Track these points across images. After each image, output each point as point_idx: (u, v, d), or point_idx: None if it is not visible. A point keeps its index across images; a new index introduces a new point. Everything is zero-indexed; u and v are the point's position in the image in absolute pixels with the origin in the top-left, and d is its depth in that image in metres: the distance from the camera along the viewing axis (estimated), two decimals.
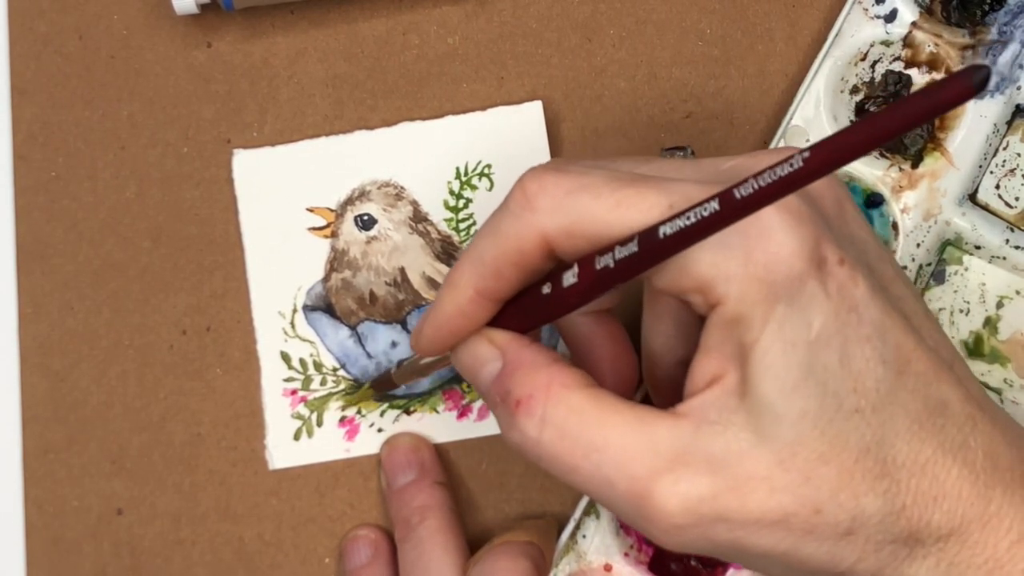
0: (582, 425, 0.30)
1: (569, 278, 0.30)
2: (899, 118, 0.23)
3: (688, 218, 0.27)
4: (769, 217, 0.28)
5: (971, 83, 0.22)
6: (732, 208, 0.26)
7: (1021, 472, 0.30)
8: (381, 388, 0.42)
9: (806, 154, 0.24)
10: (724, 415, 0.29)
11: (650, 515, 0.29)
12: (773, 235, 0.28)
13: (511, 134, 0.43)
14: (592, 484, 0.30)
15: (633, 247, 0.28)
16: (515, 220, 0.31)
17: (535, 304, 0.32)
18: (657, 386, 0.36)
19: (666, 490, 0.28)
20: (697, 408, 0.29)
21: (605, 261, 0.29)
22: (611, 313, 0.36)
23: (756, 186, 0.25)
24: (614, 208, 0.30)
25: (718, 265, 0.29)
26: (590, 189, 0.30)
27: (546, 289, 0.31)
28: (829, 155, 0.24)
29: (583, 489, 0.30)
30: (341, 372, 0.43)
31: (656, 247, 0.28)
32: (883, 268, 0.31)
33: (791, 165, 0.24)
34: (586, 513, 0.41)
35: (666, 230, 0.27)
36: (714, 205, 0.26)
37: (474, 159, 0.43)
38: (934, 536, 0.29)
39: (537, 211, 0.31)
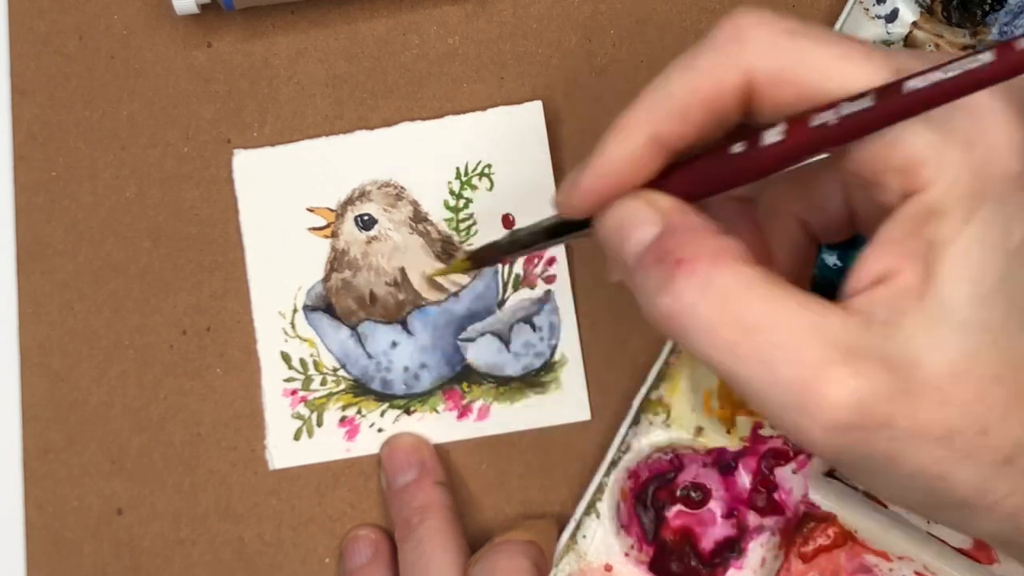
0: (749, 299, 0.26)
1: (773, 135, 0.27)
2: None
3: (948, 71, 0.24)
4: (995, 109, 0.26)
5: None
6: (1010, 62, 0.23)
7: None
8: (482, 261, 0.37)
9: None
10: (897, 316, 0.26)
11: (814, 407, 0.26)
12: (999, 128, 0.26)
13: (511, 134, 0.43)
14: (748, 366, 0.26)
15: (867, 102, 0.25)
16: (717, 53, 0.28)
17: (715, 167, 0.28)
18: None
19: (838, 382, 0.26)
20: (866, 305, 0.26)
21: (825, 118, 0.26)
22: (753, 202, 0.33)
23: None
24: (839, 59, 0.27)
25: (935, 145, 0.26)
26: (813, 35, 0.27)
27: (737, 148, 0.28)
28: None
29: (734, 372, 0.27)
30: (341, 372, 0.42)
31: (896, 104, 0.25)
32: None
33: None
34: (586, 513, 0.41)
35: (915, 84, 0.24)
36: (987, 57, 0.23)
37: (474, 159, 0.43)
38: None
39: (747, 44, 0.27)
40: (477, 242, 0.43)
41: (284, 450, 0.42)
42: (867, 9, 0.42)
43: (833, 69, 0.27)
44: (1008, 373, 0.26)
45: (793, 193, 0.33)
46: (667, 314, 0.27)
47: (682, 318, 0.27)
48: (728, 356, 0.27)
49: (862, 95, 0.26)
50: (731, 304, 0.26)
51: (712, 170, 0.28)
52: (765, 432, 0.41)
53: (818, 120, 0.26)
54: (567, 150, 0.43)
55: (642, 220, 0.29)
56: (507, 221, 0.43)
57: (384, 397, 0.42)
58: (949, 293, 0.26)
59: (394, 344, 0.43)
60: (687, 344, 0.27)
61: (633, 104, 0.29)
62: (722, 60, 0.28)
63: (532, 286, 0.43)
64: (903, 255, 0.26)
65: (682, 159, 0.29)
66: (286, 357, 0.43)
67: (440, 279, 0.43)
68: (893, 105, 0.25)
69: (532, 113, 0.43)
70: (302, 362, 0.43)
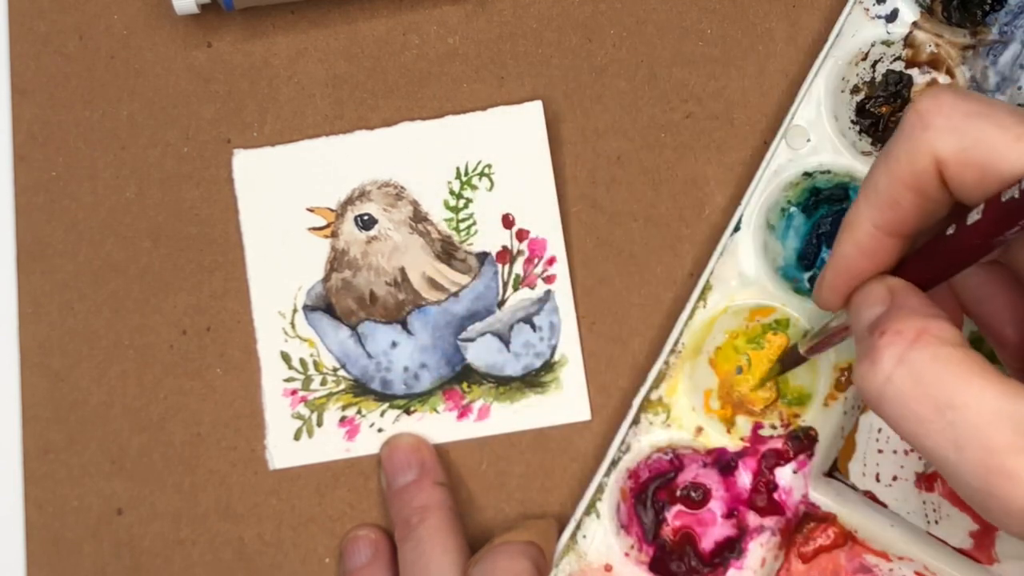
0: (944, 377, 0.27)
1: (974, 215, 0.28)
2: None
3: None
4: None
5: None
6: None
7: None
8: (789, 364, 0.40)
9: None
10: None
11: (999, 493, 0.26)
12: None
13: (511, 134, 0.43)
14: (937, 443, 0.27)
15: None
16: (907, 141, 0.29)
17: (938, 250, 0.30)
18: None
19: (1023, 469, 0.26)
20: None
21: (1012, 192, 0.27)
22: (1003, 265, 0.34)
23: None
24: (1016, 141, 0.28)
25: None
26: (992, 117, 0.28)
27: (950, 230, 0.30)
28: None
29: (924, 447, 0.28)
30: (341, 372, 0.43)
31: None
32: None
33: None
34: (586, 513, 0.41)
35: None
36: None
37: (474, 159, 0.43)
38: None
39: (930, 129, 0.29)
40: (476, 242, 0.43)
41: (284, 450, 0.42)
42: (867, 9, 0.42)
43: (1012, 150, 0.28)
44: None
45: None
46: (864, 381, 0.29)
47: (878, 386, 0.28)
48: (920, 430, 0.28)
49: None
50: (926, 379, 0.28)
51: (934, 254, 0.31)
52: (765, 432, 0.41)
53: (1007, 195, 0.28)
54: (567, 150, 0.43)
55: (873, 299, 0.31)
56: (507, 221, 0.43)
57: (384, 397, 0.42)
58: None
59: (394, 344, 0.43)
60: (881, 412, 0.29)
61: (855, 202, 0.31)
62: (910, 146, 0.29)
63: (532, 286, 0.43)
64: None
65: (921, 246, 0.31)
66: (286, 357, 0.43)
67: (439, 279, 0.43)
68: None
69: (532, 113, 0.43)
70: (302, 362, 0.43)
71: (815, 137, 0.42)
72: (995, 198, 0.28)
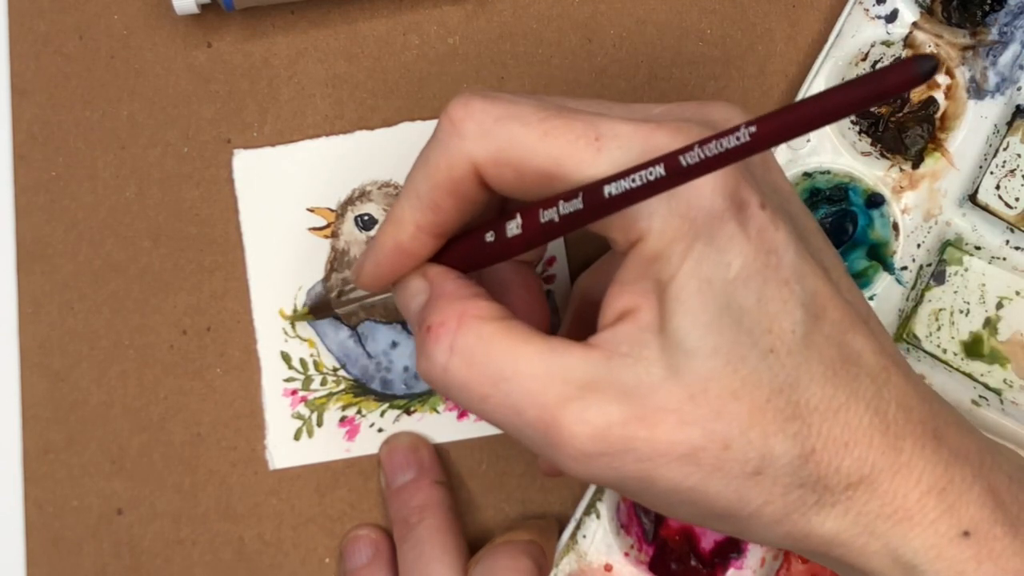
0: (491, 353, 0.29)
1: (513, 229, 0.31)
2: (845, 99, 0.24)
3: (634, 180, 0.27)
4: None
5: (917, 72, 0.22)
6: (677, 173, 0.26)
7: (932, 427, 0.30)
8: (320, 313, 0.42)
9: (753, 129, 0.25)
10: (636, 349, 0.29)
11: (558, 442, 0.29)
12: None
13: None
14: (501, 414, 0.29)
15: (578, 204, 0.29)
16: (443, 148, 0.31)
17: (478, 249, 0.32)
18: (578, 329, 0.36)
19: (574, 416, 0.28)
20: (608, 340, 0.29)
21: (550, 215, 0.29)
22: (529, 265, 0.37)
23: (702, 155, 0.26)
24: (542, 137, 0.30)
25: (644, 202, 0.29)
26: (518, 117, 0.30)
27: (490, 237, 0.32)
28: (775, 130, 0.25)
29: (493, 420, 0.30)
30: (341, 372, 0.43)
31: (600, 204, 0.28)
32: (804, 221, 0.32)
33: (738, 139, 0.25)
34: (587, 513, 0.41)
35: (611, 190, 0.28)
36: (660, 170, 0.27)
37: None
38: (843, 483, 0.29)
39: (464, 137, 0.30)
40: None
41: (284, 450, 0.42)
42: (867, 9, 0.42)
43: (540, 146, 0.30)
44: (744, 390, 0.28)
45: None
46: (427, 375, 0.30)
47: (439, 378, 0.30)
48: (485, 407, 0.30)
49: (574, 195, 0.29)
50: (476, 362, 0.29)
51: (473, 251, 0.33)
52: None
53: (545, 217, 0.29)
54: None
55: (414, 291, 0.33)
56: None
57: (384, 397, 0.42)
58: (677, 324, 0.28)
59: (394, 344, 0.43)
60: (453, 400, 0.30)
61: (398, 198, 0.32)
62: (447, 154, 0.31)
63: None
64: (637, 293, 0.29)
65: (464, 231, 0.33)
66: (286, 357, 0.43)
67: None
68: (598, 205, 0.28)
69: None
70: (302, 362, 0.43)
71: (815, 138, 0.42)
72: (534, 217, 0.30)
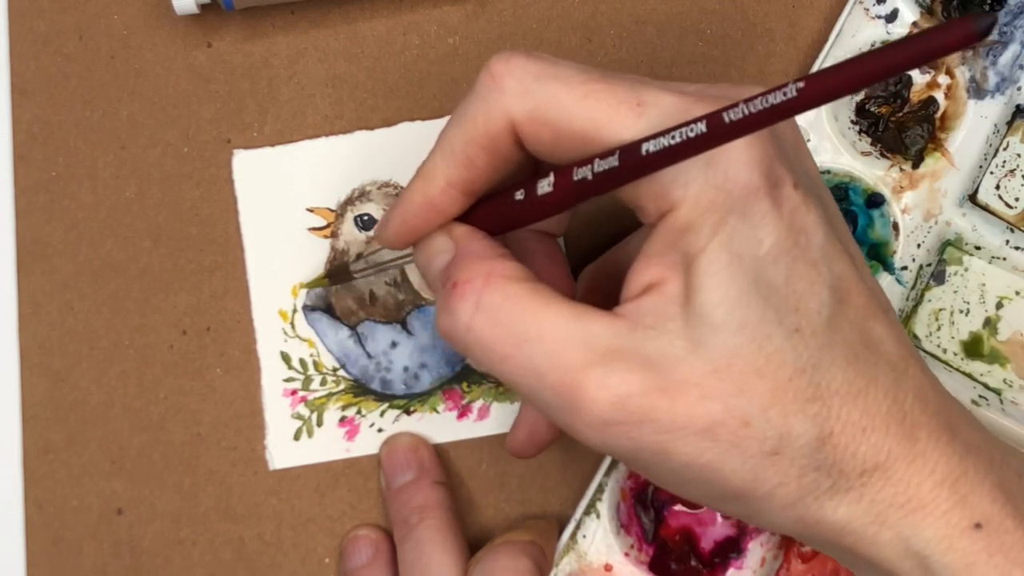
0: (516, 313, 0.29)
1: (544, 187, 0.30)
2: (895, 57, 0.23)
3: (673, 137, 0.27)
4: None
5: (974, 29, 0.21)
6: (720, 130, 0.26)
7: (947, 419, 0.30)
8: (337, 278, 0.42)
9: (800, 84, 0.24)
10: (661, 321, 0.28)
11: (578, 408, 0.28)
12: (735, 148, 0.28)
13: None
14: (521, 375, 0.29)
15: (614, 161, 0.28)
16: (481, 103, 0.31)
17: (506, 209, 0.32)
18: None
19: (597, 382, 0.28)
20: (633, 311, 0.29)
21: (583, 173, 0.29)
22: (553, 237, 0.37)
23: (746, 111, 0.25)
24: (582, 99, 0.30)
25: (679, 169, 0.28)
26: (560, 78, 0.30)
27: (519, 195, 0.31)
28: (823, 87, 0.24)
29: (512, 381, 0.30)
30: (341, 372, 0.43)
31: (637, 163, 0.28)
32: (832, 207, 0.32)
33: (784, 94, 0.25)
34: (587, 513, 0.41)
35: (649, 147, 0.27)
36: (701, 127, 0.26)
37: None
38: (858, 469, 0.29)
39: (504, 92, 0.30)
40: None
41: (284, 450, 0.42)
42: (867, 9, 0.42)
43: (579, 108, 0.30)
44: (768, 368, 0.28)
45: None
46: (449, 331, 0.30)
47: (461, 336, 0.30)
48: (505, 367, 0.29)
49: (611, 153, 0.28)
50: (500, 321, 0.29)
51: (501, 211, 0.32)
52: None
53: (579, 175, 0.29)
54: None
55: (439, 249, 0.32)
56: None
57: (384, 397, 0.42)
58: (705, 297, 0.28)
59: (394, 344, 0.43)
60: (473, 359, 0.30)
61: (430, 153, 0.32)
62: (486, 108, 0.31)
63: None
64: (665, 265, 0.29)
65: (492, 193, 0.32)
66: (286, 357, 0.43)
67: None
68: (635, 164, 0.28)
69: None
70: (302, 362, 0.43)
71: (815, 137, 0.42)
72: (567, 175, 0.29)
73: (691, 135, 0.26)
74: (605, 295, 0.34)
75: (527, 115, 0.30)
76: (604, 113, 0.29)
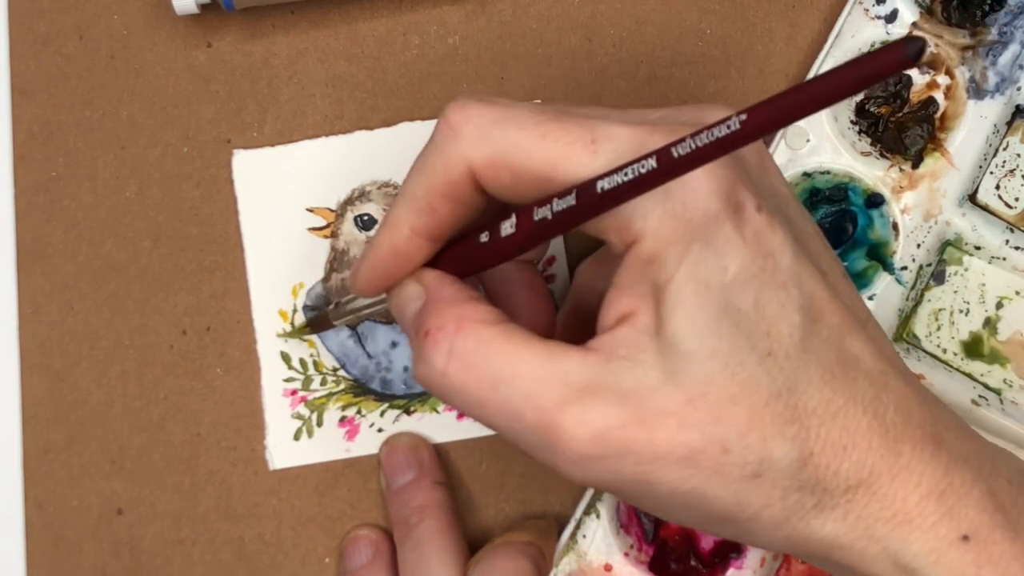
0: (490, 357, 0.29)
1: (507, 228, 0.31)
2: (835, 84, 0.23)
3: (626, 174, 0.27)
4: None
5: (905, 54, 0.22)
6: (670, 166, 0.26)
7: (932, 430, 0.30)
8: (318, 327, 0.42)
9: (743, 117, 0.25)
10: (634, 352, 0.28)
11: (557, 446, 0.28)
12: (692, 176, 0.28)
13: None
14: (500, 417, 0.29)
15: (571, 200, 0.29)
16: (440, 152, 0.31)
17: (473, 251, 0.32)
18: (574, 331, 0.36)
19: (574, 419, 0.28)
20: (607, 344, 0.29)
21: (543, 213, 0.29)
22: (532, 264, 0.37)
23: (694, 145, 0.26)
24: (539, 140, 0.30)
25: (638, 202, 0.29)
26: (515, 120, 0.30)
27: (484, 238, 0.31)
28: (766, 118, 0.25)
29: (491, 424, 0.30)
30: (341, 372, 0.43)
31: (594, 201, 0.28)
32: (802, 224, 0.31)
33: (728, 127, 0.25)
34: (586, 513, 0.41)
35: (604, 185, 0.28)
36: (652, 163, 0.26)
37: None
38: (842, 486, 0.29)
39: (461, 140, 0.31)
40: None
41: (284, 450, 0.42)
42: (867, 10, 0.42)
43: (536, 149, 0.30)
44: (743, 395, 0.28)
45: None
46: (425, 380, 0.30)
47: (438, 383, 0.30)
48: (483, 411, 0.30)
49: (568, 192, 0.29)
50: (474, 366, 0.29)
51: (468, 254, 0.32)
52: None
53: (539, 215, 0.29)
54: None
55: (409, 297, 0.32)
56: None
57: (384, 397, 0.42)
58: (675, 327, 0.28)
59: (394, 344, 0.43)
60: (453, 405, 0.30)
61: (394, 201, 0.32)
62: (444, 157, 0.31)
63: None
64: (635, 296, 0.29)
65: (459, 236, 0.33)
66: (286, 357, 0.43)
67: None
68: (591, 202, 0.28)
69: None
70: (302, 362, 0.43)
71: (814, 138, 0.42)
72: (527, 215, 0.30)
73: (643, 171, 0.27)
74: (587, 309, 0.35)
75: (485, 161, 0.30)
76: (560, 152, 0.29)
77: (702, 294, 0.28)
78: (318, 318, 0.41)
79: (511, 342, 0.30)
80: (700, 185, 0.28)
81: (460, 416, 0.42)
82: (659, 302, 0.28)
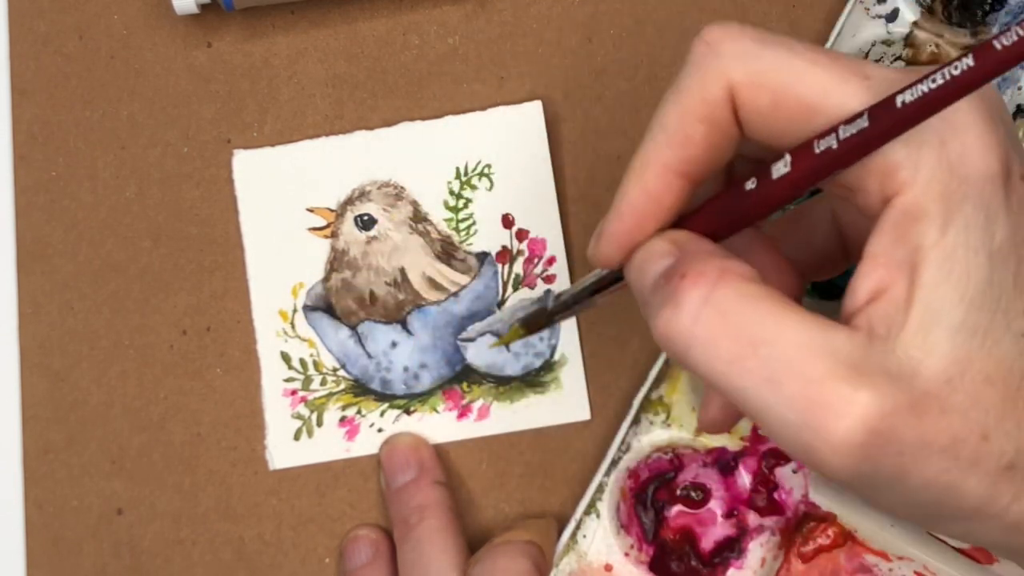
0: (752, 314, 0.26)
1: (780, 168, 0.27)
2: None
3: (934, 80, 0.24)
4: (967, 112, 0.26)
5: None
6: (990, 62, 0.23)
7: None
8: (534, 326, 0.36)
9: None
10: (895, 330, 0.26)
11: (822, 425, 0.26)
12: (972, 129, 0.26)
13: (511, 134, 0.43)
14: (752, 381, 0.26)
15: (863, 122, 0.26)
16: (696, 70, 0.29)
17: (734, 204, 0.29)
18: None
19: (844, 398, 0.25)
20: (865, 322, 0.26)
21: (827, 143, 0.26)
22: (768, 236, 0.33)
23: (1004, 43, 0.23)
24: (810, 65, 0.28)
25: (909, 148, 0.26)
26: (784, 44, 0.28)
27: (750, 185, 0.28)
28: None
29: (738, 388, 0.27)
30: (341, 372, 0.42)
31: (892, 120, 0.25)
32: None
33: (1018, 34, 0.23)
34: (587, 513, 0.41)
35: (905, 98, 0.25)
36: (968, 61, 0.24)
37: (474, 159, 0.43)
38: None
39: (722, 56, 0.28)
40: (476, 242, 0.43)
41: (284, 450, 0.42)
42: (868, 9, 0.42)
43: (806, 72, 0.28)
44: (998, 375, 0.26)
45: (781, 230, 0.33)
46: (667, 327, 0.27)
47: (684, 330, 0.27)
48: (732, 369, 0.26)
49: (858, 115, 0.26)
50: (735, 317, 0.26)
51: (731, 206, 0.29)
52: (765, 431, 0.41)
53: (821, 146, 0.27)
54: (567, 150, 0.43)
55: (659, 254, 0.29)
56: (507, 221, 0.43)
57: (384, 397, 0.42)
58: (937, 298, 0.26)
59: (394, 344, 0.43)
60: (690, 359, 0.27)
61: (641, 142, 0.29)
62: (703, 75, 0.28)
63: (532, 286, 0.43)
64: (892, 266, 0.26)
65: (706, 197, 0.30)
66: (286, 357, 0.43)
67: (439, 280, 0.43)
68: (889, 122, 0.25)
69: (532, 113, 0.43)
70: (302, 362, 0.43)
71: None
72: (807, 148, 0.27)
73: (956, 73, 0.24)
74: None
75: (748, 78, 0.28)
76: (833, 80, 0.27)
77: (971, 262, 0.26)
78: (533, 316, 0.36)
79: (776, 304, 0.27)
80: (982, 140, 0.26)
81: (460, 416, 0.42)
82: (922, 268, 0.26)
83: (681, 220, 0.30)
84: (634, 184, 0.29)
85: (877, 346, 0.26)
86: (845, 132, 0.26)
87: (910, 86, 0.25)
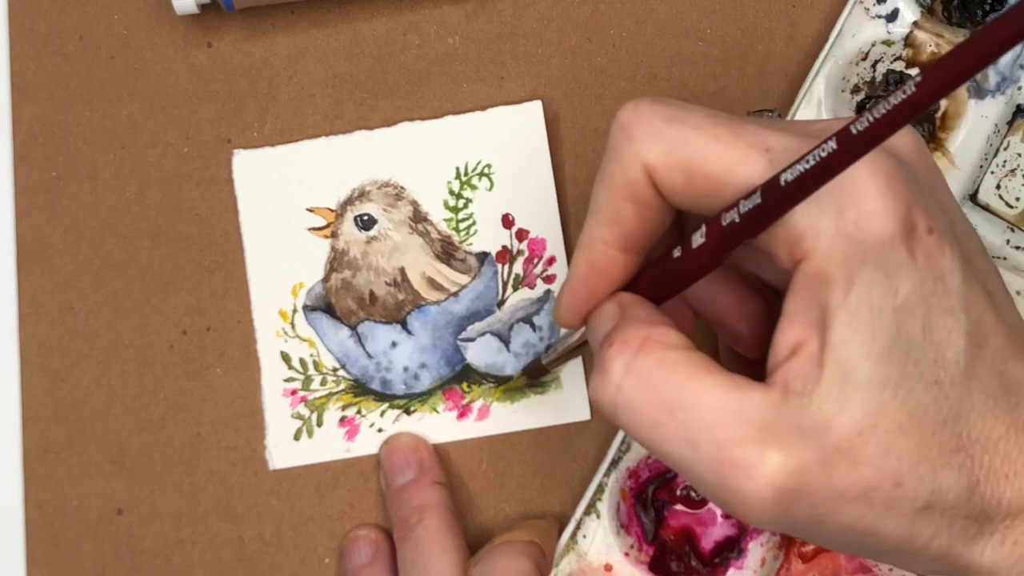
0: (669, 380, 0.29)
1: (698, 239, 0.30)
2: (1008, 31, 0.22)
3: (808, 161, 0.26)
4: (863, 177, 0.28)
5: None
6: (851, 145, 0.25)
7: None
8: (533, 375, 0.42)
9: (918, 79, 0.23)
10: (809, 386, 0.28)
11: (733, 486, 0.28)
12: (867, 194, 0.28)
13: (511, 134, 0.43)
14: (671, 443, 0.28)
15: (756, 199, 0.28)
16: (615, 154, 0.31)
17: (667, 269, 0.31)
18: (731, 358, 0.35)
19: (753, 460, 0.27)
20: (783, 378, 0.28)
21: (730, 216, 0.28)
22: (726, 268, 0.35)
23: (872, 118, 0.24)
24: (713, 142, 0.29)
25: (810, 218, 0.28)
26: (688, 121, 0.30)
27: (676, 253, 0.31)
28: (943, 77, 0.23)
29: (661, 449, 0.29)
30: (341, 372, 0.43)
31: (780, 196, 0.27)
32: (969, 241, 0.31)
33: (904, 92, 0.24)
34: (587, 513, 0.41)
35: (787, 176, 0.26)
36: (831, 144, 0.25)
37: (474, 159, 0.43)
38: (1003, 514, 0.28)
39: (634, 139, 0.30)
40: (476, 242, 0.43)
41: (284, 450, 0.42)
42: (867, 9, 0.42)
43: (711, 151, 0.29)
44: (911, 424, 0.28)
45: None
46: (596, 392, 0.29)
47: (610, 396, 0.29)
48: (654, 433, 0.29)
49: (753, 191, 0.28)
50: (654, 383, 0.29)
51: (662, 273, 0.32)
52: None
53: (727, 219, 0.29)
54: (567, 150, 0.43)
55: (605, 316, 0.32)
56: (507, 221, 0.43)
57: (384, 397, 0.42)
58: (846, 355, 0.27)
59: (394, 344, 0.43)
60: (618, 422, 0.29)
61: (585, 223, 0.32)
62: (621, 159, 0.31)
63: (532, 286, 0.43)
64: (806, 324, 0.28)
65: (652, 261, 0.32)
66: (286, 357, 0.43)
67: (439, 280, 0.43)
68: (776, 198, 0.27)
69: (532, 113, 0.43)
70: (302, 362, 0.43)
71: None
72: (716, 221, 0.29)
73: (823, 155, 0.26)
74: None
75: (659, 158, 0.30)
76: (735, 156, 0.29)
77: (876, 319, 0.27)
78: (532, 365, 0.41)
79: (694, 369, 0.29)
80: (875, 204, 0.28)
81: (460, 416, 0.42)
82: (830, 327, 0.27)
83: (634, 278, 0.33)
84: (582, 259, 0.32)
85: (792, 402, 0.28)
86: (744, 207, 0.28)
87: (791, 165, 0.27)
